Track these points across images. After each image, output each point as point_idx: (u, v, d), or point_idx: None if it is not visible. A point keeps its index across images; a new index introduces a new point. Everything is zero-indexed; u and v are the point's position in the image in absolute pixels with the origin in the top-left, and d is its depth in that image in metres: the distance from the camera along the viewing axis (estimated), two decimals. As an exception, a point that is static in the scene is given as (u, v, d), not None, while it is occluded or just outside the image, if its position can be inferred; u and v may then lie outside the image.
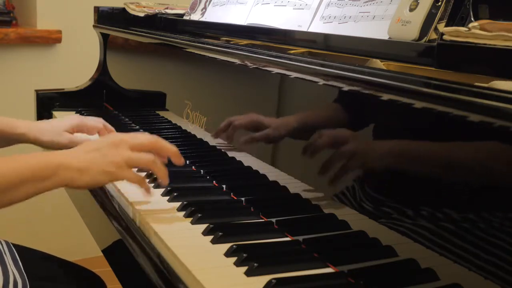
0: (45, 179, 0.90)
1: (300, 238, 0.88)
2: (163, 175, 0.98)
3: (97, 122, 1.34)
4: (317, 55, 1.06)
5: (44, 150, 1.36)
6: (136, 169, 1.03)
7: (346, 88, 0.84)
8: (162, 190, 1.07)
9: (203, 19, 1.55)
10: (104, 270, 1.23)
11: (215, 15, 1.50)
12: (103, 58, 1.92)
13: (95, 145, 0.96)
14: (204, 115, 1.29)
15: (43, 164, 0.90)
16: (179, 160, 1.00)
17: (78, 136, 1.30)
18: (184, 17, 1.64)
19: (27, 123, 1.29)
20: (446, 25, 0.84)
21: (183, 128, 1.40)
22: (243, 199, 1.04)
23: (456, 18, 0.84)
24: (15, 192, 0.89)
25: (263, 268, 0.77)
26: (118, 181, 0.98)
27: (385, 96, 0.76)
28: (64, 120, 1.32)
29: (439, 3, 0.86)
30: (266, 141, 1.04)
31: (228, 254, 0.82)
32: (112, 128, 1.35)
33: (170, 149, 1.00)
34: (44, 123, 1.32)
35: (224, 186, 1.11)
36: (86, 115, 1.72)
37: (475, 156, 0.67)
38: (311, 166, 0.94)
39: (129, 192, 1.05)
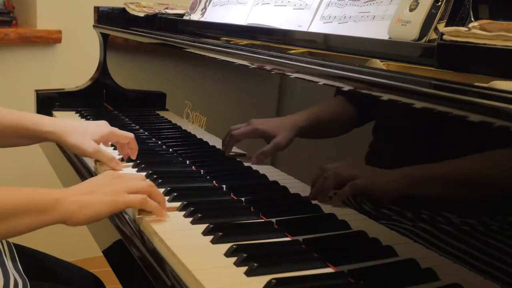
0: (44, 212, 0.90)
1: (300, 238, 0.88)
2: (156, 211, 0.96)
3: (127, 133, 1.29)
4: (317, 55, 1.06)
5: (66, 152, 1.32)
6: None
7: (346, 88, 0.84)
8: (162, 190, 1.07)
9: (203, 19, 1.55)
10: (104, 270, 1.23)
11: (215, 15, 1.50)
12: (103, 58, 1.92)
13: (94, 181, 0.97)
14: (204, 115, 1.29)
15: (43, 197, 0.91)
16: (163, 210, 0.98)
17: (104, 149, 1.24)
18: (184, 17, 1.64)
19: (54, 120, 1.26)
20: (446, 25, 0.84)
21: (183, 128, 1.40)
22: (243, 199, 1.04)
23: (456, 18, 0.84)
24: (15, 222, 0.88)
25: (263, 268, 0.77)
26: (121, 210, 0.96)
27: (385, 96, 0.76)
28: (94, 127, 1.26)
29: (439, 3, 0.86)
30: (277, 151, 1.03)
31: (228, 254, 0.82)
32: (136, 146, 1.29)
33: (161, 197, 0.99)
34: (73, 123, 1.27)
35: (224, 186, 1.11)
36: (86, 114, 1.72)
37: (475, 156, 0.67)
38: (311, 166, 0.94)
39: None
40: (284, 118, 1.02)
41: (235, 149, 1.15)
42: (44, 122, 1.24)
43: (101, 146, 1.27)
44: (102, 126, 1.28)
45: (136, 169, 1.22)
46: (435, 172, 0.72)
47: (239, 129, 1.12)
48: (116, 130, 1.28)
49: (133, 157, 1.27)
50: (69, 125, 1.25)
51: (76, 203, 0.91)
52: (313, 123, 0.96)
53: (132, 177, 1.00)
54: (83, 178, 1.26)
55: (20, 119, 1.25)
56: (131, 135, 1.28)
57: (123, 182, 0.96)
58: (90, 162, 1.30)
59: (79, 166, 1.33)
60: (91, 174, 1.26)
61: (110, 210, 0.93)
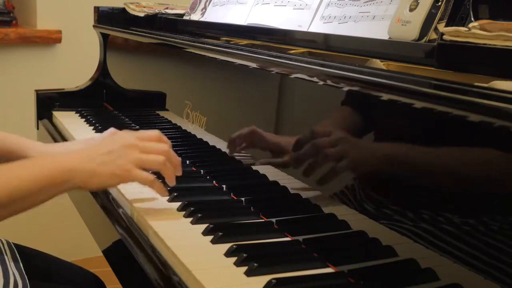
0: (61, 183, 0.94)
1: (300, 238, 0.88)
2: (171, 176, 1.00)
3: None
4: (317, 55, 1.06)
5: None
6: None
7: (346, 88, 0.84)
8: (162, 190, 1.07)
9: (203, 19, 1.55)
10: (104, 270, 1.23)
11: (215, 15, 1.50)
12: (103, 58, 1.92)
13: (106, 147, 0.98)
14: (204, 115, 1.29)
15: (58, 170, 0.94)
16: (179, 171, 1.03)
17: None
18: (184, 17, 1.64)
19: (39, 148, 1.24)
20: (446, 25, 0.84)
21: (183, 128, 1.40)
22: (243, 199, 1.04)
23: (456, 18, 0.84)
24: (35, 198, 0.93)
25: (263, 268, 0.77)
26: (127, 183, 0.98)
27: (385, 96, 0.76)
28: (74, 146, 1.25)
29: (439, 3, 0.86)
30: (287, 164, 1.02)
31: (228, 254, 0.82)
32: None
33: (175, 161, 1.02)
34: (57, 147, 1.28)
35: (224, 186, 1.11)
36: (86, 114, 1.72)
37: (475, 156, 0.67)
38: (311, 166, 0.94)
39: (128, 192, 1.05)
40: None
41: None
42: (30, 149, 1.22)
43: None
44: (80, 143, 1.26)
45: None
46: (434, 172, 0.72)
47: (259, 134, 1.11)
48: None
49: None
50: (55, 150, 1.25)
51: (88, 172, 0.94)
52: (315, 129, 0.95)
53: (146, 136, 1.01)
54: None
55: (8, 145, 1.24)
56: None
57: (135, 153, 0.97)
58: None
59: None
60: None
61: (117, 183, 0.99)
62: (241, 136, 1.12)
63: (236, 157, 1.14)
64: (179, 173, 1.02)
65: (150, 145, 1.00)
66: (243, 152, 1.13)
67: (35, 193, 0.93)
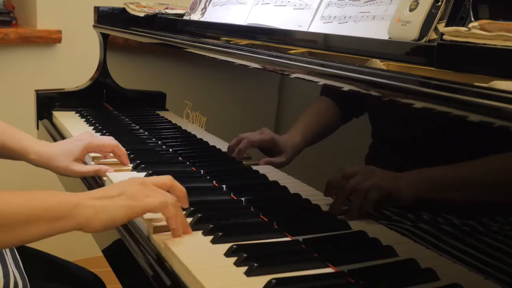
0: (59, 219, 0.84)
1: (300, 238, 0.88)
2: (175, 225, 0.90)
3: (105, 142, 1.27)
4: (317, 55, 1.06)
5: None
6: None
7: (346, 88, 0.84)
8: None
9: (203, 19, 1.55)
10: (104, 270, 1.23)
11: (215, 15, 1.50)
12: (103, 58, 1.92)
13: (116, 188, 0.90)
14: (204, 115, 1.29)
15: (59, 203, 0.85)
16: (185, 202, 0.96)
17: (88, 167, 1.24)
18: (184, 17, 1.64)
19: (38, 148, 1.23)
20: (446, 25, 0.84)
21: (183, 128, 1.40)
22: (243, 199, 1.04)
23: (456, 18, 0.84)
24: (26, 230, 0.82)
25: (263, 268, 0.77)
26: (139, 215, 0.90)
27: (385, 96, 0.76)
28: (74, 144, 1.24)
29: (439, 3, 0.86)
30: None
31: (228, 254, 0.82)
32: (124, 152, 1.27)
33: (181, 190, 0.96)
34: (56, 148, 1.25)
35: (224, 186, 1.11)
36: (86, 114, 1.72)
37: (475, 156, 0.67)
38: (311, 166, 0.94)
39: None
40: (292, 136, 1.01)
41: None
42: (29, 151, 1.22)
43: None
44: (79, 140, 1.25)
45: (136, 169, 1.22)
46: (434, 172, 0.72)
47: (253, 136, 1.10)
48: (94, 140, 1.26)
49: (125, 163, 1.26)
50: (52, 151, 1.23)
51: (92, 208, 0.85)
52: (313, 129, 0.96)
53: (154, 189, 0.91)
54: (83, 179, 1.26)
55: (6, 141, 1.23)
56: (113, 142, 1.26)
57: (143, 188, 0.90)
58: (89, 161, 1.30)
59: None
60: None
61: (127, 215, 0.87)
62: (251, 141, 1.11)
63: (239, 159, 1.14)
64: (185, 205, 0.95)
65: (162, 180, 0.94)
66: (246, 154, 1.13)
67: (27, 223, 0.82)
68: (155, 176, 0.96)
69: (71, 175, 1.23)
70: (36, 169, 1.26)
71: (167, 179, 0.94)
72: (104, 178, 1.20)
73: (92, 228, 0.86)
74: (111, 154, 1.28)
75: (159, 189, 0.91)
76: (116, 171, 1.21)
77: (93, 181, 1.22)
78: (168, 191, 0.93)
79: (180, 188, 0.95)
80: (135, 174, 1.21)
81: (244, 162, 1.12)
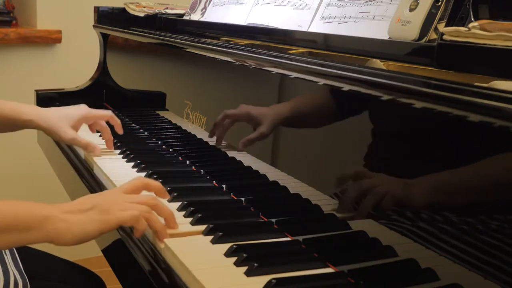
0: (28, 230, 0.83)
1: (300, 238, 0.88)
2: (159, 227, 0.88)
3: (101, 113, 1.35)
4: (317, 55, 1.06)
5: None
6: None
7: (346, 88, 0.84)
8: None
9: (203, 19, 1.55)
10: (104, 270, 1.23)
11: (215, 15, 1.50)
12: (103, 58, 1.92)
13: (89, 201, 0.88)
14: (204, 115, 1.29)
15: (29, 213, 0.84)
16: (164, 195, 0.96)
17: (82, 137, 1.29)
18: (184, 17, 1.64)
19: (33, 109, 1.28)
20: (446, 25, 0.84)
21: (183, 128, 1.40)
22: (243, 199, 1.04)
23: (456, 18, 0.84)
24: None
25: (263, 268, 0.77)
26: (111, 229, 0.87)
27: (385, 96, 0.76)
28: (73, 112, 1.31)
29: (439, 3, 0.86)
30: (261, 139, 1.05)
31: (228, 254, 0.82)
32: (118, 122, 1.35)
33: (156, 185, 0.95)
34: (52, 111, 1.30)
35: (224, 186, 1.11)
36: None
37: (475, 156, 0.67)
38: (311, 166, 0.94)
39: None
40: (271, 108, 1.04)
41: (224, 142, 1.19)
42: (24, 111, 1.26)
43: (87, 133, 1.36)
44: (79, 109, 1.31)
45: (136, 169, 1.22)
46: (434, 172, 0.72)
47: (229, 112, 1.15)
48: (92, 111, 1.33)
49: (120, 131, 1.34)
50: (48, 113, 1.28)
51: (64, 222, 0.83)
52: (307, 121, 0.97)
53: (126, 200, 0.89)
54: (78, 173, 1.27)
55: (1, 108, 1.26)
56: (109, 112, 1.34)
57: (120, 200, 0.88)
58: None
59: (75, 161, 1.36)
60: (86, 168, 1.29)
61: (99, 230, 0.85)
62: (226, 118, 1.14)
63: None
64: (173, 226, 0.90)
65: (130, 183, 0.93)
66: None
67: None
68: (127, 183, 0.94)
69: (63, 138, 1.27)
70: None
71: (138, 182, 0.94)
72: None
73: (63, 241, 0.84)
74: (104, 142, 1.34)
75: (132, 199, 0.89)
76: (103, 153, 1.29)
77: (95, 183, 1.21)
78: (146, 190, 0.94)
79: (155, 184, 0.96)
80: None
81: (223, 150, 1.15)
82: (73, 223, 0.84)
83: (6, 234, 0.82)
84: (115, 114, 1.76)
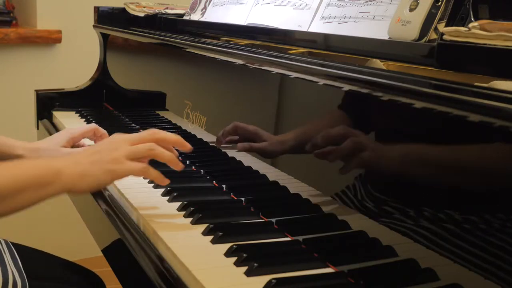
0: (46, 185, 0.88)
1: (300, 238, 0.88)
2: (170, 159, 0.97)
3: (85, 128, 1.33)
4: (317, 55, 1.06)
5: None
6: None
7: (346, 88, 0.84)
8: (162, 190, 1.07)
9: (203, 19, 1.55)
10: (104, 270, 1.23)
11: (215, 15, 1.50)
12: (103, 58, 1.92)
13: (94, 148, 0.96)
14: (204, 115, 1.29)
15: (43, 170, 0.89)
16: (184, 147, 1.00)
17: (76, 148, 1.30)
18: (184, 17, 1.64)
19: (25, 144, 1.27)
20: (446, 25, 0.84)
21: (183, 128, 1.40)
22: (243, 199, 1.04)
23: (456, 18, 0.84)
24: (16, 200, 0.87)
25: (263, 268, 0.77)
26: (122, 178, 0.95)
27: (385, 96, 0.76)
28: (56, 137, 1.30)
29: (439, 3, 0.86)
30: (261, 154, 1.05)
31: (228, 254, 0.82)
32: (104, 131, 1.33)
33: (171, 138, 0.99)
34: (41, 143, 1.30)
35: (224, 186, 1.11)
36: (86, 114, 1.72)
37: (475, 156, 0.67)
38: (311, 166, 0.94)
39: (128, 192, 1.05)
40: (280, 138, 1.03)
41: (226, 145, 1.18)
42: (16, 146, 1.24)
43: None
44: (63, 134, 1.30)
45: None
46: (435, 171, 0.72)
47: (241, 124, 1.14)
48: (74, 131, 1.31)
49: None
50: (38, 145, 1.27)
51: (77, 173, 0.90)
52: (311, 130, 0.96)
53: (134, 137, 0.97)
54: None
55: None
56: (93, 126, 1.33)
57: (124, 147, 0.94)
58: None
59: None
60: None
61: (111, 179, 0.94)
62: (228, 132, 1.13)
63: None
64: (186, 149, 0.99)
65: (138, 135, 0.97)
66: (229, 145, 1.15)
67: (16, 193, 0.86)
68: (136, 134, 0.99)
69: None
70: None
71: (147, 135, 0.97)
72: None
73: (79, 188, 0.91)
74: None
75: (139, 145, 0.95)
76: None
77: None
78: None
79: (171, 138, 0.98)
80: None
81: (223, 150, 1.15)
82: (85, 173, 0.91)
83: (23, 193, 0.87)
84: (115, 114, 1.77)
